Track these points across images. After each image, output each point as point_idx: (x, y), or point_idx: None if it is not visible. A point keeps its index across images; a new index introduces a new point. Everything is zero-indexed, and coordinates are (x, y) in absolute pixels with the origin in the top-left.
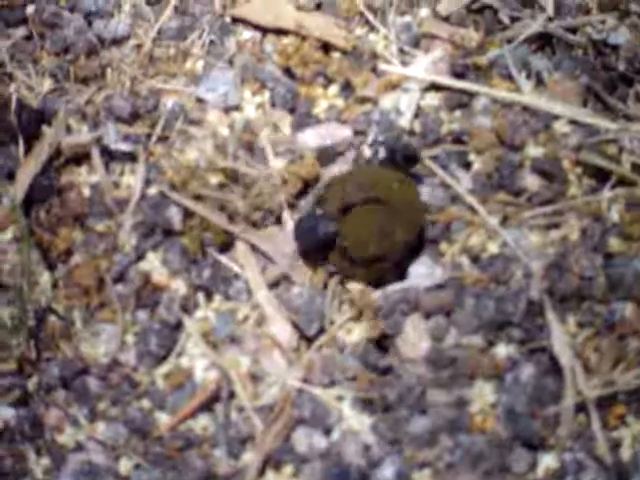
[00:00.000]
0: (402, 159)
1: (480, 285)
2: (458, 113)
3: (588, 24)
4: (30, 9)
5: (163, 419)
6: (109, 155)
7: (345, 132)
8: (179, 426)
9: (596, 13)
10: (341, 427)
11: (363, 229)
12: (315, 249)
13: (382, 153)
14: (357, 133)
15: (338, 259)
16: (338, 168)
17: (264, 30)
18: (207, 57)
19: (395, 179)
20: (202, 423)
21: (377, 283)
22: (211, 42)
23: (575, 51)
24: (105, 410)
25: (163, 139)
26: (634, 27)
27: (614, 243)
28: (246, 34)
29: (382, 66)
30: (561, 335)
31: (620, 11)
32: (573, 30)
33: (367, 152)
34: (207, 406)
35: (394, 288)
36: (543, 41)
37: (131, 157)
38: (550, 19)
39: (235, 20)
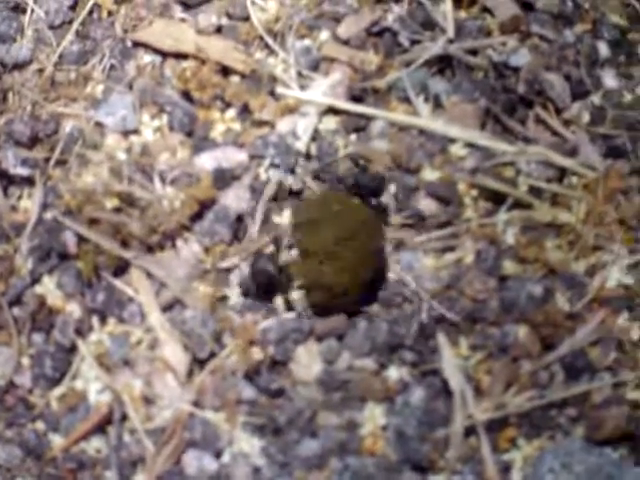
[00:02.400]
0: (367, 190)
1: (373, 308)
2: (355, 136)
3: (489, 46)
4: None
5: (57, 441)
6: (8, 179)
7: (241, 156)
8: (72, 448)
9: (497, 35)
10: (232, 450)
11: (315, 280)
12: (266, 287)
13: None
14: (254, 157)
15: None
16: (234, 191)
17: (164, 54)
18: (107, 81)
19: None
20: (95, 445)
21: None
22: (111, 66)
23: (475, 73)
24: (0, 432)
25: (61, 163)
26: (535, 49)
27: (508, 266)
28: (146, 58)
29: (280, 90)
30: (451, 358)
31: (521, 33)
32: (473, 52)
33: (263, 176)
34: (100, 428)
35: (289, 315)
36: (443, 64)
37: (29, 181)
38: (450, 41)
39: (136, 44)
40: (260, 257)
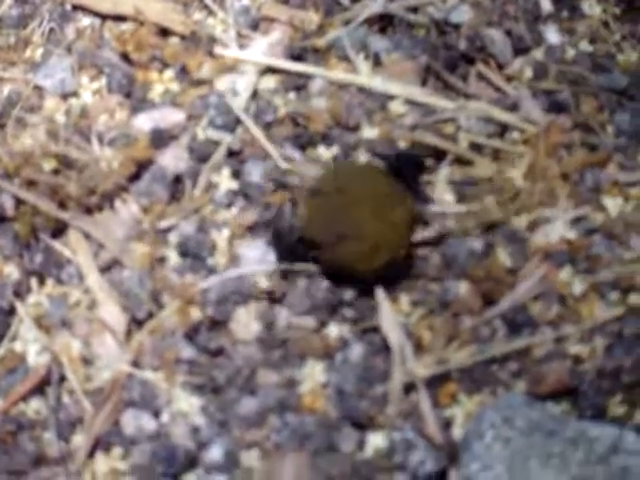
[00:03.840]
0: (406, 169)
1: (313, 266)
2: (295, 95)
3: (430, 3)
4: None
5: None
6: None
7: (179, 116)
8: (12, 409)
9: None
10: (171, 409)
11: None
12: (290, 252)
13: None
14: (191, 117)
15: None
16: (171, 151)
17: (103, 17)
18: (47, 45)
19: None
20: (34, 406)
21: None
22: (51, 30)
23: (416, 31)
24: None
25: (0, 127)
26: (476, 5)
27: (449, 222)
28: (85, 21)
29: (219, 50)
30: (390, 314)
31: None
32: (414, 10)
33: (201, 135)
34: (39, 389)
35: (229, 275)
36: (384, 22)
37: None
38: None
39: (75, 7)
40: (280, 224)
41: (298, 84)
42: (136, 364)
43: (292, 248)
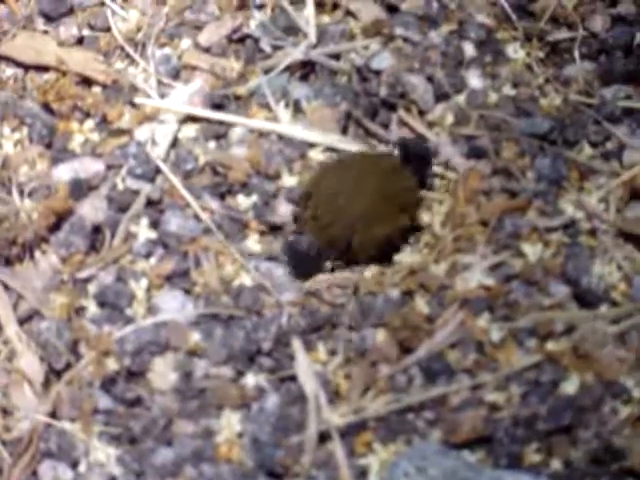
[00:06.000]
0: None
1: (231, 315)
2: (215, 144)
3: (352, 50)
4: None
5: None
6: None
7: (98, 166)
8: None
9: (360, 39)
10: (88, 459)
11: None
12: (307, 267)
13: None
14: (111, 167)
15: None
16: (90, 202)
17: (26, 67)
18: None
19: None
20: None
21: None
22: None
23: (338, 78)
24: None
25: None
26: (398, 51)
27: (366, 270)
28: (8, 71)
29: (139, 99)
30: (306, 363)
31: (384, 36)
32: (336, 57)
33: (120, 185)
34: None
35: (146, 325)
36: (306, 69)
37: None
38: (313, 46)
39: None
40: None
41: (219, 132)
42: (54, 415)
43: (308, 256)
